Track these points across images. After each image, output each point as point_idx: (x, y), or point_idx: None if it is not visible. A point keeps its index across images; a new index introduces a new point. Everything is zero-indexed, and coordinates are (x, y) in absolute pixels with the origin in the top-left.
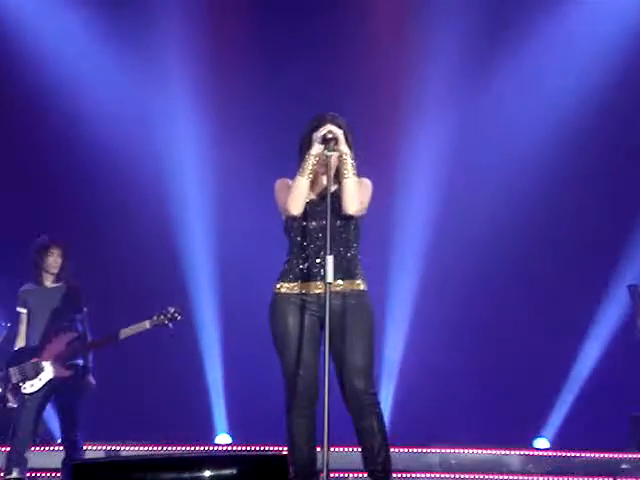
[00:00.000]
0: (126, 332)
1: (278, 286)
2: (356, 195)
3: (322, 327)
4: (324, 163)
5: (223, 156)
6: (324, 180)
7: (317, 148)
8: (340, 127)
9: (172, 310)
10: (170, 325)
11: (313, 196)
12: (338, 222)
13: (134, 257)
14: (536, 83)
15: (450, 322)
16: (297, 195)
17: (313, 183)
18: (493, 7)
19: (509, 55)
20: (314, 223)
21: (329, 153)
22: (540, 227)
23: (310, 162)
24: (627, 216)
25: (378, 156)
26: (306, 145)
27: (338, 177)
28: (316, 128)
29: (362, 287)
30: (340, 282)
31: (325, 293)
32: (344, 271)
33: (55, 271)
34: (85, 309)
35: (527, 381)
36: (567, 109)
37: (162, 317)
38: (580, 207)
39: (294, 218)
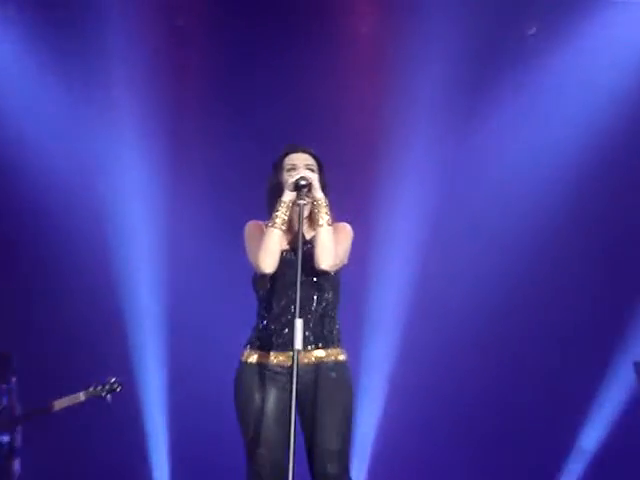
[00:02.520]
0: (59, 404)
1: (245, 354)
2: (329, 246)
3: (296, 403)
4: (297, 211)
5: (177, 204)
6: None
7: (289, 196)
8: (313, 165)
9: (111, 380)
10: (108, 397)
11: (285, 246)
12: (314, 278)
13: (71, 320)
14: (537, 122)
15: (433, 394)
16: (270, 249)
17: (286, 230)
18: (486, 35)
19: (505, 90)
20: (285, 278)
21: (301, 202)
22: (539, 301)
23: (282, 211)
24: (633, 290)
25: (354, 201)
26: (275, 182)
27: (316, 224)
28: (285, 157)
29: (341, 357)
30: (315, 351)
31: (293, 362)
32: (320, 337)
33: None
34: (13, 379)
35: (527, 462)
36: (571, 155)
37: (99, 388)
38: (583, 280)
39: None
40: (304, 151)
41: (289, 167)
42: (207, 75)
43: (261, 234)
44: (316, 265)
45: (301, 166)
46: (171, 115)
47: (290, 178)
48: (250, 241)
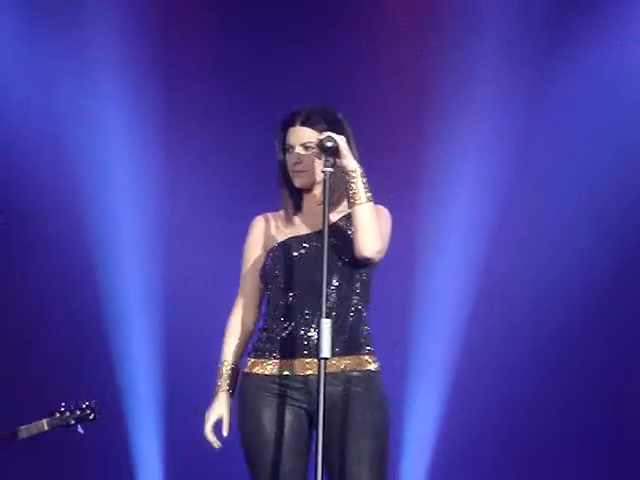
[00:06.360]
0: (24, 432)
1: (249, 364)
2: (374, 228)
3: (312, 425)
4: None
5: (172, 184)
6: (318, 208)
7: None
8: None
9: (82, 405)
10: (79, 427)
11: (305, 229)
12: (340, 270)
13: (43, 331)
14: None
15: (499, 452)
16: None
17: (303, 211)
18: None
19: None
20: (303, 271)
21: (326, 169)
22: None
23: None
24: None
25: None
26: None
27: (337, 204)
28: (283, 133)
29: (372, 366)
30: (340, 359)
31: (318, 374)
32: (347, 343)
33: None
34: None
35: None
36: None
37: (67, 415)
38: None
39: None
40: (304, 123)
41: (287, 147)
42: (209, 31)
43: (256, 249)
44: (358, 253)
45: (296, 146)
46: (161, 87)
47: (290, 159)
48: (244, 255)
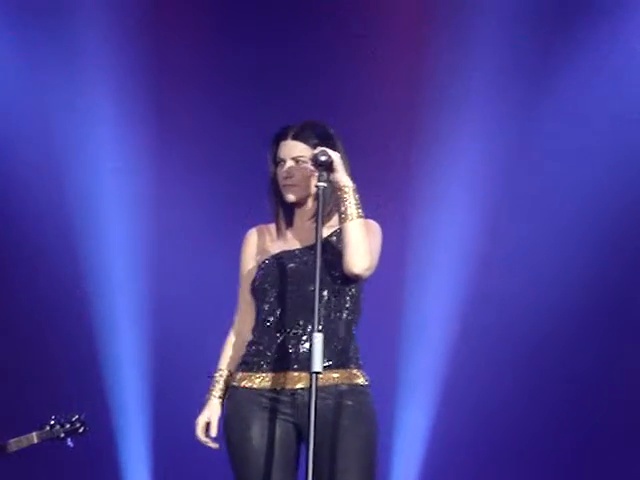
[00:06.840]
0: (13, 445)
1: (238, 377)
2: (364, 245)
3: (300, 439)
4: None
5: (163, 193)
6: (310, 222)
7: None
8: (304, 158)
9: (72, 419)
10: (68, 440)
11: (296, 244)
12: (330, 285)
13: (30, 342)
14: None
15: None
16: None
17: (294, 225)
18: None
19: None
20: (294, 285)
21: (320, 184)
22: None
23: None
24: None
25: (384, 198)
26: (271, 175)
27: (328, 219)
28: (275, 147)
29: (361, 380)
30: (329, 373)
31: (310, 388)
32: (336, 356)
33: None
34: None
35: None
36: None
37: (57, 428)
38: None
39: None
40: (295, 137)
41: (278, 160)
42: (203, 36)
43: (249, 262)
44: (346, 268)
45: (287, 160)
46: (153, 83)
47: (281, 173)
48: (240, 268)
